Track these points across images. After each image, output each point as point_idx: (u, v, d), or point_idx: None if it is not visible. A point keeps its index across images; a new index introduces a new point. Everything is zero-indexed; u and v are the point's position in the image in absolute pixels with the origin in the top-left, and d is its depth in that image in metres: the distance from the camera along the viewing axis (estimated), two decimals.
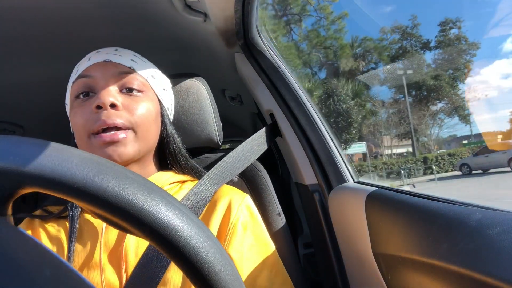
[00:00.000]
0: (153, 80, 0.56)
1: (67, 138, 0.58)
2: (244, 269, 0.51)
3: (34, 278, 0.15)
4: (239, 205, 0.55)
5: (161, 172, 0.58)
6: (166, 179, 0.56)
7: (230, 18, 0.69)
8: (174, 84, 0.68)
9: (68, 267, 0.17)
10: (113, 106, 0.48)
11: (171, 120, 0.63)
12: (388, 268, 0.46)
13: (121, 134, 0.47)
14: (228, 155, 0.66)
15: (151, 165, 0.57)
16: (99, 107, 0.47)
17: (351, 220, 0.56)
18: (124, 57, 0.54)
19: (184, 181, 0.59)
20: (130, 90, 0.52)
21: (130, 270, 0.46)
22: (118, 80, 0.51)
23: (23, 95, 1.04)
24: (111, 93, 0.49)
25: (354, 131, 14.57)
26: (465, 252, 0.31)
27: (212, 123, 0.69)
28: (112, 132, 0.47)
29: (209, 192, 0.55)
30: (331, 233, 0.66)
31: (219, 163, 0.63)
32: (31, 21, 0.71)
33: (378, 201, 0.50)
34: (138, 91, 0.53)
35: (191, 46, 0.92)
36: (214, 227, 0.53)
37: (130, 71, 0.53)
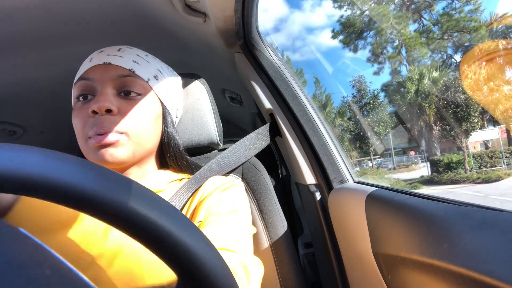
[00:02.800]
0: (155, 81, 0.55)
1: (67, 138, 0.59)
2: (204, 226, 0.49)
3: (34, 278, 0.15)
4: (219, 182, 0.56)
5: (160, 171, 0.58)
6: (165, 178, 0.57)
7: (230, 18, 0.69)
8: None
9: (68, 267, 0.17)
10: (108, 111, 0.48)
11: (177, 121, 0.63)
12: (388, 268, 0.46)
13: (114, 137, 0.48)
14: (224, 152, 0.66)
15: (151, 165, 0.57)
16: (95, 112, 0.48)
17: (351, 220, 0.56)
18: (126, 58, 0.53)
19: (181, 179, 0.60)
20: (128, 93, 0.51)
21: None
22: (116, 83, 0.51)
23: (23, 95, 1.04)
24: (107, 98, 0.49)
25: (476, 120, 14.03)
26: (465, 252, 0.31)
27: (212, 123, 0.69)
28: (105, 135, 0.47)
29: (199, 183, 0.56)
30: (331, 233, 0.66)
31: (214, 159, 0.64)
32: (32, 21, 0.71)
33: (378, 201, 0.50)
34: (137, 94, 0.52)
35: (191, 46, 0.92)
36: (193, 205, 0.53)
37: (130, 73, 0.52)
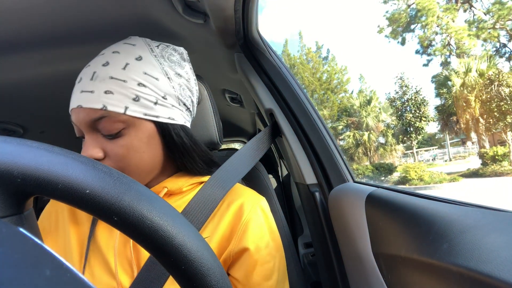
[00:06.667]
0: (135, 105, 0.47)
1: (67, 138, 0.58)
2: (258, 265, 0.52)
3: (34, 278, 0.15)
4: (252, 206, 0.55)
5: (175, 176, 0.56)
6: (181, 185, 0.55)
7: (230, 18, 0.69)
8: None
9: (68, 267, 0.17)
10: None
11: (194, 109, 0.61)
12: (388, 268, 0.46)
13: None
14: (233, 156, 0.65)
15: (165, 173, 0.56)
16: None
17: (351, 220, 0.56)
18: (97, 92, 0.46)
19: (202, 182, 0.58)
20: (109, 135, 0.48)
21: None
22: (94, 127, 0.48)
23: (24, 95, 1.04)
24: (90, 146, 0.47)
25: None
26: (465, 252, 0.31)
27: (212, 123, 0.69)
28: None
29: (217, 195, 0.53)
30: (331, 233, 0.66)
31: (225, 164, 0.63)
32: (32, 21, 0.71)
33: (378, 201, 0.50)
34: (118, 132, 0.47)
35: (191, 46, 0.92)
36: (223, 227, 0.53)
37: (102, 114, 0.46)
